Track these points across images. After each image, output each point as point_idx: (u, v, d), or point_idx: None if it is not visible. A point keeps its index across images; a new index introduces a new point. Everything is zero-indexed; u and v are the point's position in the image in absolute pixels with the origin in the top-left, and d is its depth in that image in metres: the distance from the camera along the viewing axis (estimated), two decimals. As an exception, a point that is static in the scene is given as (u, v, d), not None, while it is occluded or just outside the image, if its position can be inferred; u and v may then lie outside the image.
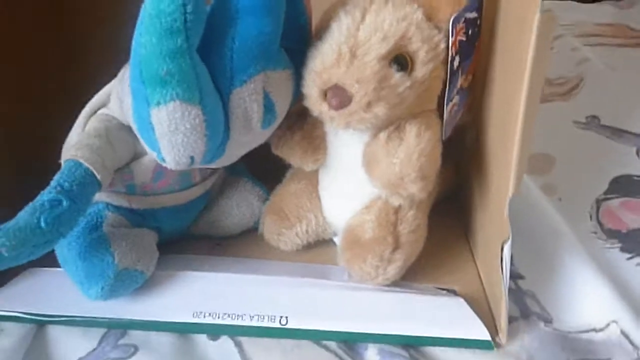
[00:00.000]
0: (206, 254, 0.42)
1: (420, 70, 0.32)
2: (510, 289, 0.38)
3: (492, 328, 0.35)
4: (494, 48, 0.35)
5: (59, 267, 0.37)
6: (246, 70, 0.30)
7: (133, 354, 0.34)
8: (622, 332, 0.34)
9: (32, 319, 0.37)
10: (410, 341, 0.35)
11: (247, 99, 0.30)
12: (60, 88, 0.47)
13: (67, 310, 0.37)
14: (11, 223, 0.30)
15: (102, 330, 0.36)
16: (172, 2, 0.26)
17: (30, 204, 0.31)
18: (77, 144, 0.34)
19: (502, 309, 0.33)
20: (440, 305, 0.36)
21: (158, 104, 0.28)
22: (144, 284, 0.37)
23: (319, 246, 0.43)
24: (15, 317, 0.37)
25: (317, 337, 0.35)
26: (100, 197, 0.38)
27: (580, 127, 0.55)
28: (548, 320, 0.36)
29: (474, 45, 0.36)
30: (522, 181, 0.41)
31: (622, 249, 0.41)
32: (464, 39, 0.34)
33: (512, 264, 0.41)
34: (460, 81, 0.36)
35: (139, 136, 0.32)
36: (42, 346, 0.36)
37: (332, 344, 0.35)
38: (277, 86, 0.32)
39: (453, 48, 0.33)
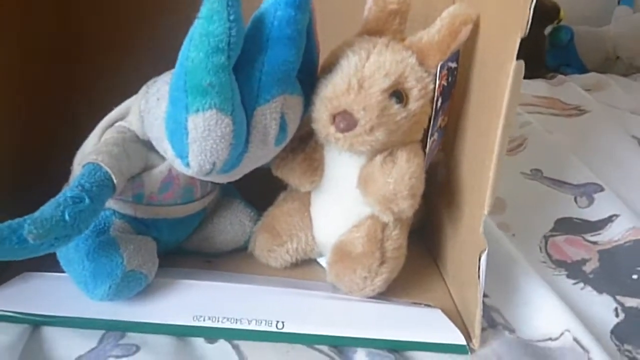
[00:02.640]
0: (198, 269, 0.44)
1: (413, 105, 0.38)
2: (478, 306, 0.43)
3: (466, 336, 0.39)
4: (468, 95, 0.42)
5: (55, 272, 0.39)
6: (270, 91, 0.34)
7: (135, 352, 0.36)
8: (575, 339, 0.39)
9: (27, 319, 0.38)
10: (395, 345, 0.38)
11: (267, 116, 0.35)
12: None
13: (64, 311, 0.38)
14: (37, 213, 0.32)
15: (99, 332, 0.38)
16: (220, 25, 0.30)
17: (53, 199, 0.33)
18: (96, 150, 0.37)
19: (477, 314, 0.38)
20: (420, 315, 0.40)
21: (197, 110, 0.31)
22: (145, 289, 0.39)
23: (304, 265, 0.46)
24: (10, 316, 0.37)
25: (310, 341, 0.38)
26: (108, 204, 0.40)
27: (527, 178, 0.63)
28: (512, 330, 0.41)
29: (451, 91, 0.43)
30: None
31: (568, 276, 0.48)
32: (445, 84, 0.41)
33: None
34: (440, 120, 0.42)
35: (166, 142, 0.35)
36: (39, 345, 0.36)
37: (324, 348, 0.38)
38: (292, 109, 0.37)
39: (438, 90, 0.39)
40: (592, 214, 0.56)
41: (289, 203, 0.45)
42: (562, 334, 0.40)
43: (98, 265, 0.37)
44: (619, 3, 1.20)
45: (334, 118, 0.36)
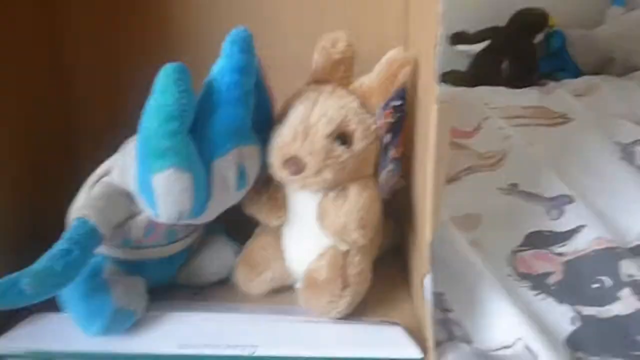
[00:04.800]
0: (187, 300, 0.50)
1: (358, 145, 0.42)
2: (440, 319, 0.47)
3: (424, 350, 0.43)
4: (413, 128, 0.46)
5: (61, 312, 0.44)
6: (224, 146, 0.39)
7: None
8: (526, 347, 0.42)
9: (37, 356, 0.43)
10: (358, 362, 0.42)
11: (224, 167, 0.40)
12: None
13: (70, 346, 0.43)
14: (33, 267, 0.38)
15: (100, 364, 0.43)
16: (171, 96, 0.36)
17: (48, 252, 0.39)
18: (84, 205, 0.42)
19: (428, 330, 0.42)
20: (382, 332, 0.44)
21: (158, 171, 0.37)
22: (136, 323, 0.44)
23: (283, 292, 0.50)
24: (25, 355, 0.43)
25: (281, 363, 0.43)
26: (99, 250, 0.45)
27: (503, 193, 0.66)
28: (470, 342, 0.44)
29: (402, 124, 0.47)
30: (454, 236, 0.51)
31: (532, 288, 0.51)
32: (392, 120, 0.45)
33: (444, 299, 0.50)
34: (392, 153, 0.47)
35: (140, 196, 0.40)
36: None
37: (294, 368, 0.42)
38: (248, 158, 0.42)
39: (383, 128, 0.44)
40: (561, 225, 0.58)
41: (263, 237, 0.50)
42: (515, 342, 0.43)
43: (90, 305, 0.42)
44: (612, 4, 1.21)
45: (285, 163, 0.41)
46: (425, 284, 0.41)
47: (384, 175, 0.46)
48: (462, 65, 1.12)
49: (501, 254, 0.55)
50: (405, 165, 0.50)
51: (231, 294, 0.50)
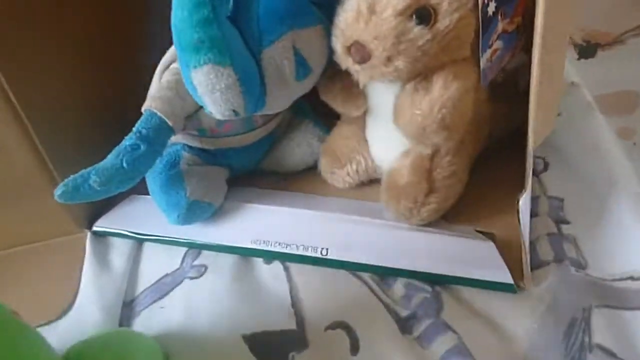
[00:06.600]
0: (271, 188, 0.47)
1: (443, 22, 0.32)
2: (551, 234, 0.39)
3: (519, 272, 0.36)
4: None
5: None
6: (273, 32, 0.33)
7: (204, 273, 0.42)
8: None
9: (132, 237, 0.46)
10: (436, 279, 0.38)
11: (277, 57, 0.34)
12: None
13: (158, 231, 0.45)
14: (101, 164, 0.38)
15: (183, 249, 0.44)
16: (198, -23, 0.29)
17: (116, 148, 0.38)
18: (152, 97, 0.40)
19: (523, 257, 0.34)
20: (470, 248, 0.38)
21: (195, 67, 0.32)
22: (216, 213, 0.44)
23: (372, 184, 0.45)
24: (121, 234, 0.46)
25: (352, 268, 0.40)
26: (177, 139, 0.44)
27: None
28: (581, 266, 0.36)
29: (518, -13, 0.35)
30: (596, 121, 0.40)
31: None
32: (500, -17, 0.33)
33: (562, 209, 0.41)
34: (501, 26, 0.35)
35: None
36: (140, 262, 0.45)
37: (365, 275, 0.39)
38: (308, 42, 0.35)
39: (484, -6, 0.32)
40: None
41: (346, 125, 0.44)
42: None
43: (168, 196, 0.42)
44: None
45: (349, 49, 0.33)
46: (520, 205, 0.33)
47: (487, 55, 0.35)
48: None
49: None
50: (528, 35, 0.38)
51: (318, 183, 0.47)
